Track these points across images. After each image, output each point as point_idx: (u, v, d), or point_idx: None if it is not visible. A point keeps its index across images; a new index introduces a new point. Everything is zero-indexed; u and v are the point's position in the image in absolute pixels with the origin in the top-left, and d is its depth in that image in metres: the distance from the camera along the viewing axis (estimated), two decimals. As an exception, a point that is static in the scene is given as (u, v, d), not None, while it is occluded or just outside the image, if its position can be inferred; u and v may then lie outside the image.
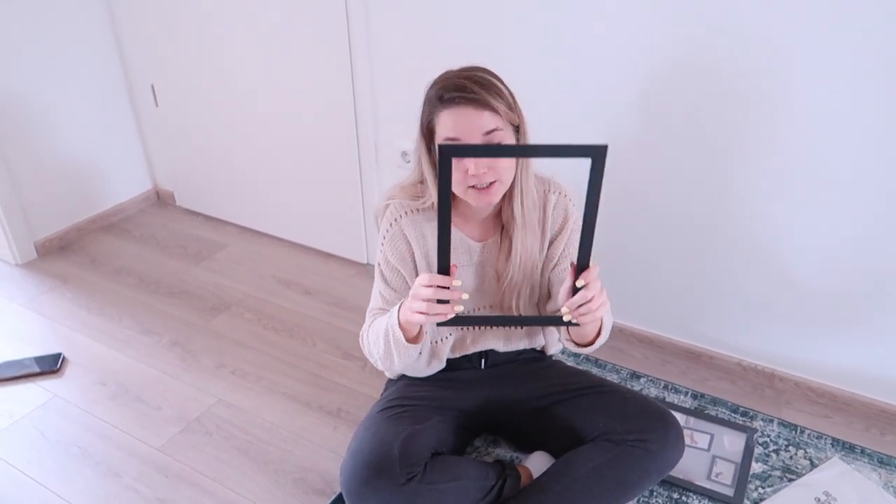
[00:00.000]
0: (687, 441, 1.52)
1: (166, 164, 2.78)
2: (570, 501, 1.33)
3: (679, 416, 1.70)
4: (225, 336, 2.05)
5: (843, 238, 1.57)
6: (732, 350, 1.86)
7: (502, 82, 1.22)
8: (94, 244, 2.56)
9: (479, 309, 1.42)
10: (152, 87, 2.56)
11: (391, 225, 1.34)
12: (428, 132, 1.24)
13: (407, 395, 1.43)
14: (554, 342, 1.53)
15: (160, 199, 2.88)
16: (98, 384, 1.85)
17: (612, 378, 1.85)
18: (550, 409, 1.45)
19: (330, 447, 1.64)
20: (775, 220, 1.63)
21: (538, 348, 1.54)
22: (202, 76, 2.40)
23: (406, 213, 1.33)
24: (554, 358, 1.60)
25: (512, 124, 1.22)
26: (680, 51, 1.55)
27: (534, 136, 1.27)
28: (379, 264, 1.38)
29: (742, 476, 1.53)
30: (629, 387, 1.81)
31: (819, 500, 1.49)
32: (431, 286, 1.10)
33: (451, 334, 1.44)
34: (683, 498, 1.49)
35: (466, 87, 1.16)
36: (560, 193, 1.37)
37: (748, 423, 1.69)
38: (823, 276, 1.63)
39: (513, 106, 1.22)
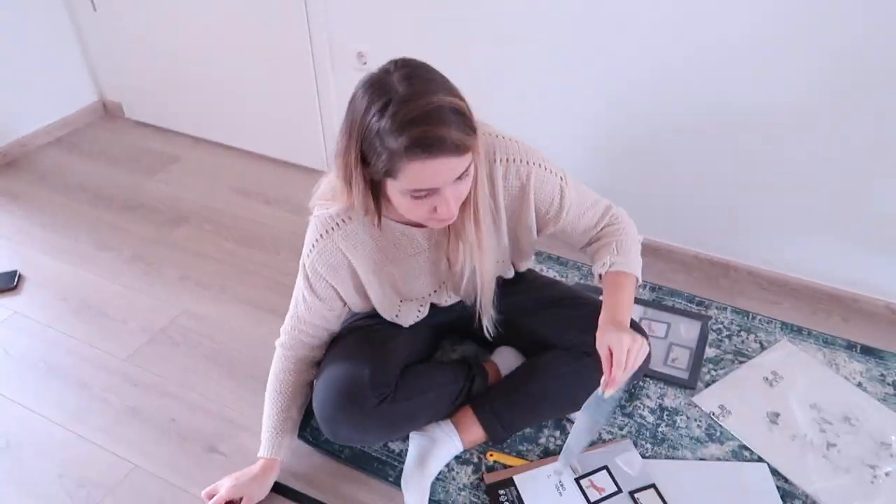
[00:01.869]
0: (646, 330, 1.57)
1: (112, 74, 2.65)
2: (538, 402, 1.38)
3: (638, 308, 1.76)
4: (186, 248, 2.02)
5: (789, 137, 1.58)
6: (688, 243, 1.91)
7: (463, 99, 0.99)
8: (41, 160, 2.47)
9: (438, 290, 1.36)
10: (88, -12, 2.41)
11: (321, 237, 1.20)
12: (370, 167, 1.01)
13: (371, 316, 1.41)
14: (526, 262, 1.47)
15: (108, 112, 2.77)
16: (59, 300, 1.83)
17: (574, 275, 1.89)
18: (522, 319, 1.45)
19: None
20: (739, 121, 1.63)
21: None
22: (140, -24, 2.26)
23: (338, 223, 1.19)
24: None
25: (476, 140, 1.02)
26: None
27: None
28: (305, 266, 1.25)
29: (696, 360, 1.60)
30: (588, 283, 1.86)
31: (767, 378, 1.57)
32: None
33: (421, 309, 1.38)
34: (640, 382, 1.56)
35: (449, 137, 0.94)
36: (509, 160, 1.18)
37: (703, 312, 1.76)
38: (771, 174, 1.66)
39: (472, 123, 1.00)
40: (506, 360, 1.51)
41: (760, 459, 1.39)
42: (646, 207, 1.89)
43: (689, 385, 1.54)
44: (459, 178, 1.01)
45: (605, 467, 1.36)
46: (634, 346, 1.13)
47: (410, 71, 0.98)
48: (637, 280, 1.28)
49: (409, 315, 1.36)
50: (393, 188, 1.03)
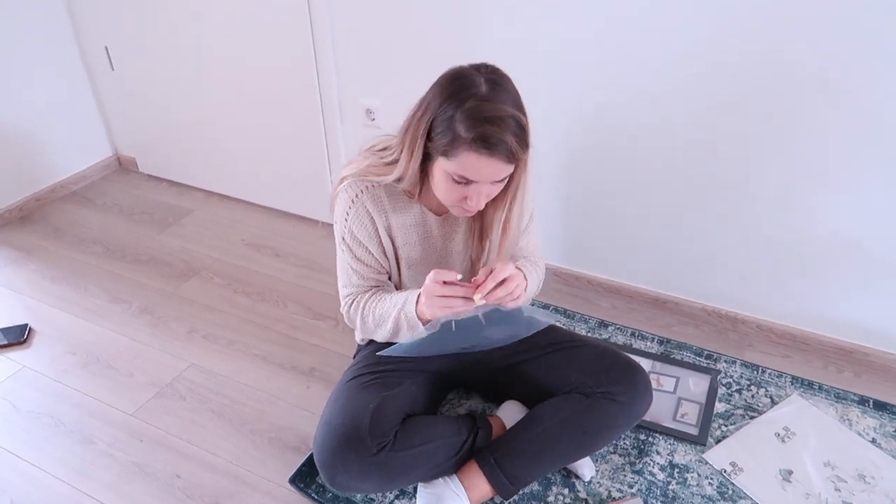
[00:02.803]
0: (654, 385, 1.56)
1: (127, 129, 2.72)
2: (541, 449, 1.37)
3: (646, 362, 1.75)
4: (195, 301, 2.04)
5: (799, 188, 1.59)
6: (697, 296, 1.91)
7: (527, 117, 1.11)
8: (55, 214, 2.51)
9: (433, 264, 1.40)
10: (106, 49, 2.49)
11: (353, 201, 1.28)
12: (432, 142, 1.12)
13: (376, 361, 1.43)
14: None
15: (122, 166, 2.82)
16: (67, 353, 1.84)
17: (581, 327, 1.89)
18: (522, 365, 1.47)
19: (304, 406, 1.66)
20: (738, 171, 1.65)
21: None
22: (158, 37, 2.33)
23: (366, 188, 1.28)
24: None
25: None
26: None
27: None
28: (344, 239, 1.33)
29: (706, 415, 1.58)
30: (597, 336, 1.85)
31: (779, 434, 1.54)
32: (439, 283, 1.16)
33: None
34: (650, 439, 1.54)
35: (507, 144, 1.06)
36: None
37: (712, 366, 1.74)
38: (781, 225, 1.66)
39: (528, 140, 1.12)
40: (511, 413, 1.49)
41: (774, 519, 1.36)
42: (653, 260, 1.90)
43: (699, 441, 1.52)
44: (498, 181, 1.13)
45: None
46: (517, 278, 1.17)
47: (496, 78, 1.11)
48: (528, 291, 1.31)
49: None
50: (440, 167, 1.14)
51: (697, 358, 1.77)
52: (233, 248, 2.30)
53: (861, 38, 1.37)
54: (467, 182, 1.12)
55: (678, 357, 1.78)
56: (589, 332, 1.87)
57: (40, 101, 2.48)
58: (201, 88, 2.36)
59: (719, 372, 1.71)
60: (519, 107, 1.10)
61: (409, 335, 1.27)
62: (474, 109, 1.06)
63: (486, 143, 1.05)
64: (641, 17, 1.55)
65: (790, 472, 1.45)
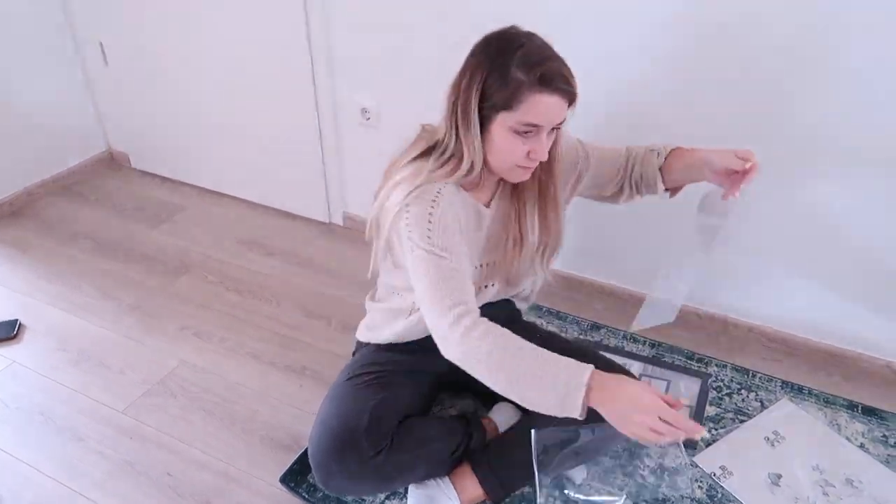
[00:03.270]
0: None
1: (120, 125, 2.70)
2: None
3: (637, 365, 1.76)
4: (187, 298, 2.03)
5: (793, 190, 1.61)
6: (688, 299, 1.91)
7: None
8: (47, 209, 2.50)
9: (484, 265, 1.34)
10: (101, 44, 2.47)
11: (433, 206, 1.15)
12: (488, 101, 1.10)
13: (375, 361, 1.42)
14: (529, 300, 1.52)
15: (115, 162, 2.81)
16: (58, 350, 1.83)
17: (573, 329, 1.89)
18: None
19: (296, 405, 1.66)
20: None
21: (516, 303, 1.51)
22: (153, 33, 2.32)
23: (441, 188, 1.17)
24: (524, 318, 1.61)
25: None
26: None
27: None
28: (433, 251, 1.14)
29: (697, 419, 1.59)
30: (589, 338, 1.86)
31: (768, 438, 1.55)
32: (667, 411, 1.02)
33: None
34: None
35: (568, 80, 1.09)
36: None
37: (702, 369, 1.75)
38: (772, 231, 1.68)
39: None
40: (504, 416, 1.50)
41: (763, 523, 1.37)
42: (646, 263, 1.90)
43: (689, 445, 1.53)
44: (556, 127, 1.14)
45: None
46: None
47: (530, 33, 1.12)
48: None
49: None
50: (501, 125, 1.11)
51: (689, 361, 1.78)
52: (226, 245, 2.29)
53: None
54: (530, 132, 1.11)
55: (669, 360, 1.79)
56: (581, 333, 1.88)
57: (33, 96, 2.46)
58: (196, 85, 2.35)
59: (710, 375, 1.72)
60: (556, 53, 1.12)
61: (545, 408, 1.08)
62: (528, 54, 1.07)
63: (549, 80, 1.07)
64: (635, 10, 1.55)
65: (779, 477, 1.46)
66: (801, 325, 1.79)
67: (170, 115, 2.51)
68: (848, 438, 1.56)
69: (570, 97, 1.10)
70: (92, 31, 2.47)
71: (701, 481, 1.45)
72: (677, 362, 1.78)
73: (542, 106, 1.09)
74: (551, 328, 1.89)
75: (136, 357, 1.81)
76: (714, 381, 1.72)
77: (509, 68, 1.07)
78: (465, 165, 1.16)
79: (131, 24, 2.35)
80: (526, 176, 1.21)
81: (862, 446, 1.54)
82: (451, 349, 1.12)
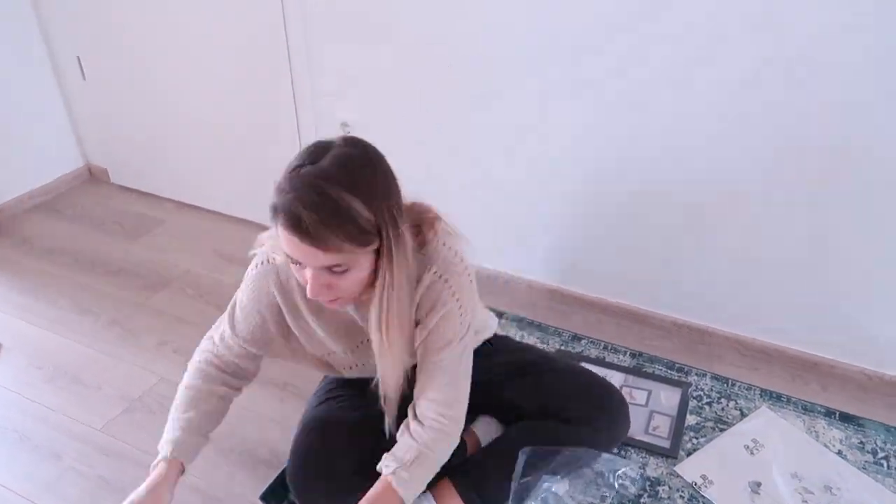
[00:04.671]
0: (627, 398, 1.56)
1: (98, 139, 2.68)
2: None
3: (618, 375, 1.76)
4: (166, 313, 2.01)
5: (768, 205, 1.63)
6: (668, 309, 1.93)
7: (379, 211, 0.97)
8: (24, 225, 2.47)
9: (353, 367, 1.33)
10: (78, 58, 2.46)
11: (256, 266, 1.23)
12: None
13: (343, 383, 1.42)
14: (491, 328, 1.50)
15: (93, 177, 2.79)
16: (33, 367, 1.80)
17: (554, 340, 1.90)
18: (500, 385, 1.44)
19: (277, 420, 1.65)
20: (708, 190, 1.68)
21: None
22: (131, 47, 2.31)
23: (268, 260, 1.20)
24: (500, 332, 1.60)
25: (371, 248, 1.01)
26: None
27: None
28: (236, 297, 1.26)
29: (678, 428, 1.60)
30: (570, 349, 1.86)
31: (748, 447, 1.57)
32: None
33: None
34: (622, 452, 1.55)
35: (301, 224, 0.93)
36: (439, 276, 1.13)
37: (683, 378, 1.76)
38: (750, 240, 1.70)
39: (367, 230, 0.98)
40: (485, 429, 1.49)
41: (743, 531, 1.38)
42: (626, 274, 1.92)
43: (671, 454, 1.54)
44: (333, 271, 1.00)
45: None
46: None
47: (347, 157, 0.98)
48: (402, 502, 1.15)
49: (342, 363, 1.32)
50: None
51: (669, 371, 1.80)
52: (206, 259, 2.28)
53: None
54: (298, 263, 1.01)
55: (650, 370, 1.80)
56: (562, 345, 1.88)
57: (9, 111, 2.44)
58: (174, 99, 2.35)
59: (690, 384, 1.74)
60: (365, 193, 0.96)
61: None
62: (289, 178, 0.97)
63: (283, 223, 0.96)
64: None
65: (759, 485, 1.47)
66: (777, 333, 1.82)
67: (149, 129, 2.49)
68: (826, 445, 1.57)
69: (313, 242, 0.95)
70: (69, 45, 2.45)
71: (682, 491, 1.46)
72: (657, 372, 1.79)
73: (287, 245, 0.99)
74: (532, 339, 1.90)
75: (114, 373, 1.79)
76: (694, 391, 1.73)
77: (275, 187, 0.99)
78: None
79: (110, 39, 2.34)
80: (331, 306, 1.11)
81: (840, 453, 1.56)
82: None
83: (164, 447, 1.19)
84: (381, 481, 1.16)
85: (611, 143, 1.73)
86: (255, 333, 1.25)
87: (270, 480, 1.47)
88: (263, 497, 1.44)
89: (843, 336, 1.74)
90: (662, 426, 1.61)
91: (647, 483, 1.48)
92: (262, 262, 1.22)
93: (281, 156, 2.19)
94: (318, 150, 0.99)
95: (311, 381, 1.70)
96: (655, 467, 1.52)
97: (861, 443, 1.59)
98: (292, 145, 2.19)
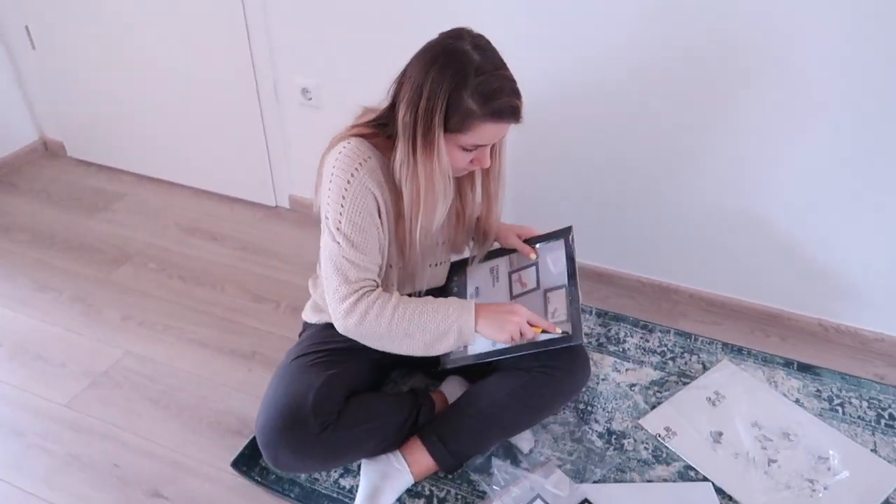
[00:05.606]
0: (519, 287, 1.48)
1: (52, 112, 2.60)
2: (483, 424, 1.39)
3: (503, 262, 1.56)
4: (129, 288, 1.98)
5: (729, 165, 1.65)
6: (633, 268, 1.96)
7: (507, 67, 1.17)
8: (-23, 201, 2.40)
9: (437, 244, 1.44)
10: (27, 28, 2.37)
11: (349, 181, 1.20)
12: (447, 123, 1.13)
13: (321, 341, 1.42)
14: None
15: (49, 150, 2.71)
16: (-6, 346, 1.78)
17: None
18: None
19: (245, 389, 1.64)
20: (673, 149, 1.69)
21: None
22: (82, 14, 2.23)
23: (364, 160, 1.21)
24: None
25: None
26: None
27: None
28: (340, 228, 1.21)
29: (574, 305, 1.35)
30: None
31: (710, 399, 1.61)
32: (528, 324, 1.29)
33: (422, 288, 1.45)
34: (589, 408, 1.58)
35: (518, 111, 1.15)
36: None
37: (567, 234, 1.50)
38: (711, 199, 1.72)
39: None
40: (453, 388, 1.51)
41: (705, 479, 1.42)
42: (591, 236, 1.94)
43: (575, 339, 1.29)
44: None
45: (538, 496, 1.36)
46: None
47: (481, 43, 1.14)
48: None
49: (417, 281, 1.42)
50: (450, 142, 1.16)
51: (633, 328, 1.83)
52: (167, 232, 2.24)
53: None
54: (477, 147, 1.19)
55: (614, 326, 1.81)
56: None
57: (-45, 83, 2.35)
58: (130, 68, 2.28)
59: (570, 227, 1.50)
60: (506, 65, 1.16)
61: (447, 348, 1.29)
62: (482, 85, 1.10)
63: (501, 113, 1.13)
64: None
65: (720, 434, 1.51)
66: (738, 288, 1.86)
67: (105, 100, 2.42)
68: (784, 395, 1.62)
69: (518, 121, 1.17)
70: (17, 14, 2.36)
71: (646, 443, 1.50)
72: (623, 329, 1.82)
73: (490, 132, 1.16)
74: None
75: (78, 349, 1.76)
76: (659, 346, 1.76)
77: (463, 96, 1.10)
78: (396, 159, 1.21)
79: (59, 7, 2.25)
80: (464, 173, 1.31)
81: (797, 401, 1.61)
82: (351, 334, 1.28)
83: (462, 308, 1.28)
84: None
85: (577, 102, 1.73)
86: (378, 245, 1.27)
87: (241, 448, 1.48)
88: (235, 464, 1.44)
89: (800, 289, 1.78)
90: (560, 307, 1.37)
91: (613, 437, 1.51)
92: (352, 175, 1.20)
93: (241, 125, 2.18)
94: (479, 46, 1.13)
95: (279, 350, 1.71)
96: (621, 421, 1.55)
97: (818, 391, 1.64)
98: (252, 114, 2.15)
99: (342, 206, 1.21)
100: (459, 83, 1.10)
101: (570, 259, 1.43)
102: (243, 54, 2.03)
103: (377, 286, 1.28)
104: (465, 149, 1.18)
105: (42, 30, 2.35)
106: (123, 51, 2.24)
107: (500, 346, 1.34)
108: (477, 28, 1.17)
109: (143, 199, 2.43)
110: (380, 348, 1.29)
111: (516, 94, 1.15)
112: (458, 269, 1.60)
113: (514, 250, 1.53)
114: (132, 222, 2.29)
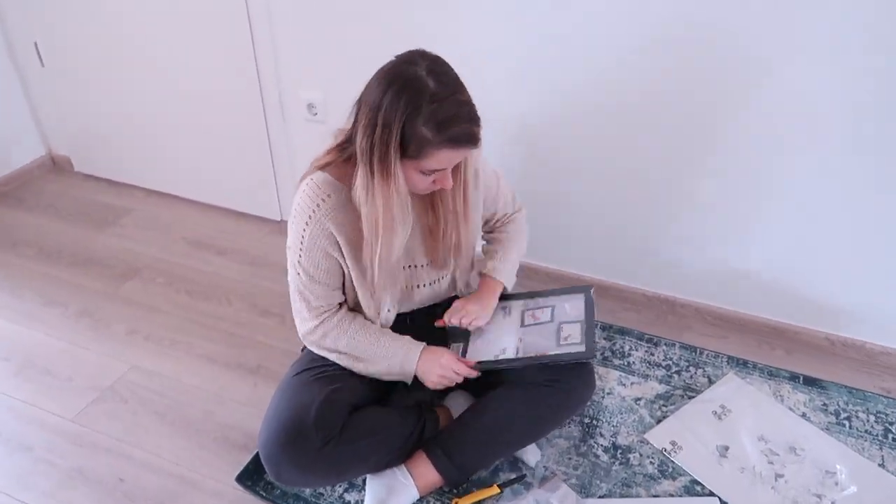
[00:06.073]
0: (531, 320, 1.50)
1: (60, 128, 2.63)
2: (488, 438, 1.39)
3: (517, 303, 1.59)
4: (136, 302, 1.99)
5: (733, 175, 1.66)
6: (637, 281, 1.96)
7: (467, 92, 1.16)
8: (-14, 216, 2.42)
9: (413, 267, 1.41)
10: (35, 45, 2.40)
11: (307, 223, 1.26)
12: (403, 150, 1.13)
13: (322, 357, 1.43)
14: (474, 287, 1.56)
15: (56, 166, 2.73)
16: (0, 360, 1.78)
17: (526, 316, 1.91)
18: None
19: (251, 404, 1.65)
20: (675, 160, 1.70)
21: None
22: (90, 31, 2.26)
23: (323, 199, 1.25)
24: None
25: None
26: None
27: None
28: (301, 262, 1.30)
29: (588, 330, 1.43)
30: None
31: (716, 412, 1.60)
32: (458, 372, 1.37)
33: (392, 308, 1.43)
34: (594, 422, 1.58)
35: (474, 136, 1.14)
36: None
37: (583, 283, 1.64)
38: (714, 211, 1.73)
39: None
40: (458, 403, 1.51)
41: (712, 494, 1.41)
42: (595, 249, 1.94)
43: (588, 355, 1.37)
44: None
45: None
46: (475, 311, 1.44)
47: (437, 67, 1.12)
48: (504, 288, 1.53)
49: (383, 305, 1.40)
50: (410, 167, 1.16)
51: (639, 342, 1.82)
52: (175, 247, 2.25)
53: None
54: (435, 172, 1.18)
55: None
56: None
57: (-35, 100, 2.38)
58: (138, 84, 2.30)
59: (591, 287, 1.56)
60: (463, 89, 1.14)
61: (389, 378, 1.41)
62: (436, 112, 1.09)
63: (457, 140, 1.12)
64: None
65: (727, 448, 1.51)
66: (744, 302, 1.85)
67: (112, 116, 2.45)
68: (790, 408, 1.62)
69: (475, 146, 1.16)
70: (26, 31, 2.39)
71: (652, 457, 1.49)
72: (628, 342, 1.82)
73: (447, 158, 1.16)
74: None
75: (85, 363, 1.77)
76: (664, 360, 1.76)
77: (417, 124, 1.09)
78: (357, 187, 1.22)
79: (67, 24, 2.28)
80: (429, 191, 1.27)
81: (804, 415, 1.60)
82: (317, 351, 1.40)
83: (410, 348, 1.39)
84: (483, 280, 1.51)
85: (577, 118, 1.74)
86: (339, 273, 1.35)
87: (246, 462, 1.48)
88: (240, 479, 1.44)
89: (807, 303, 1.78)
90: (574, 333, 1.44)
91: (619, 451, 1.51)
92: (310, 217, 1.26)
93: (247, 140, 2.20)
94: (434, 71, 1.11)
95: (284, 365, 1.70)
96: (626, 435, 1.54)
97: (824, 405, 1.63)
98: (258, 129, 2.16)
99: (301, 243, 1.29)
100: (413, 111, 1.08)
101: (590, 310, 1.48)
102: (249, 71, 2.05)
103: (339, 307, 1.39)
104: (423, 173, 1.18)
105: (51, 47, 2.38)
106: (131, 67, 2.27)
107: (509, 354, 1.40)
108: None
109: (150, 213, 2.44)
110: (338, 362, 1.40)
111: (472, 119, 1.13)
112: None
113: (530, 295, 1.57)
114: (139, 237, 2.30)
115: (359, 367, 1.38)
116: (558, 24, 1.61)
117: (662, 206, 1.78)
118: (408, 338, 1.40)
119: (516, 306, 1.56)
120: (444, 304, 1.50)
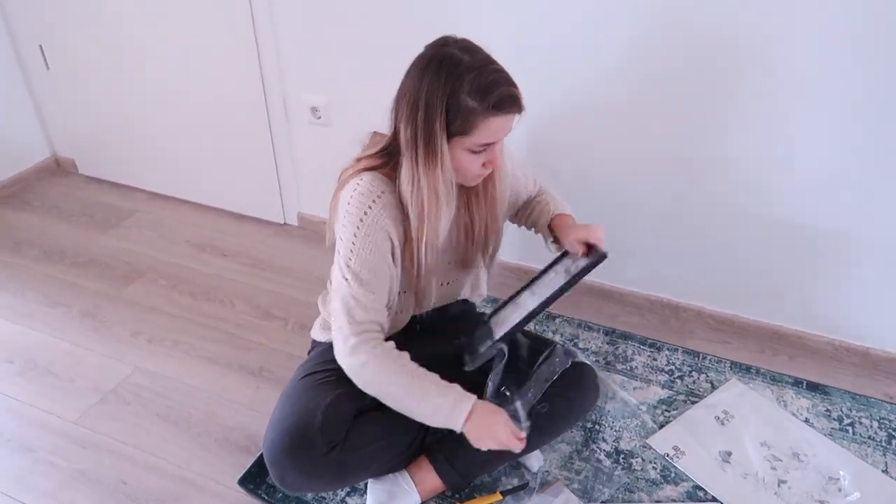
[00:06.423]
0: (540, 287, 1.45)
1: (65, 130, 2.64)
2: None
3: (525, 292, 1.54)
4: (139, 304, 1.99)
5: (736, 180, 1.66)
6: (640, 286, 1.96)
7: None
8: (-10, 218, 2.43)
9: (447, 263, 1.40)
10: (41, 48, 2.41)
11: (362, 219, 1.20)
12: (450, 128, 1.13)
13: (330, 359, 1.39)
14: (481, 291, 1.57)
15: (61, 168, 2.74)
16: (3, 361, 1.78)
17: (566, 327, 1.91)
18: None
19: (253, 406, 1.65)
20: (677, 162, 1.70)
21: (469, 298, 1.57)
22: (94, 35, 2.27)
23: (378, 196, 1.21)
24: (477, 308, 1.63)
25: None
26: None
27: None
28: (350, 266, 1.22)
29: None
30: (545, 328, 1.88)
31: (719, 418, 1.60)
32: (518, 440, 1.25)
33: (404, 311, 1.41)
34: (596, 427, 1.58)
35: (518, 99, 1.14)
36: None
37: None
38: (717, 215, 1.73)
39: None
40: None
41: (714, 499, 1.40)
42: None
43: (603, 255, 1.31)
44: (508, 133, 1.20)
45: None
46: (585, 228, 1.34)
47: (466, 44, 1.14)
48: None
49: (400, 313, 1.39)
50: (458, 147, 1.16)
51: (641, 346, 1.82)
52: (178, 248, 2.26)
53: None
54: (486, 148, 1.17)
55: (623, 346, 1.80)
56: (536, 323, 1.90)
57: (-29, 101, 2.39)
58: (142, 87, 2.31)
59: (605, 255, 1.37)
60: (494, 59, 1.15)
61: (426, 423, 1.26)
62: (476, 81, 1.10)
63: (502, 103, 1.12)
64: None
65: (729, 454, 1.50)
66: (747, 307, 1.85)
67: (117, 118, 2.46)
68: (794, 414, 1.61)
69: (520, 111, 1.16)
70: (31, 34, 2.40)
71: (655, 462, 1.49)
72: (630, 347, 1.81)
73: (496, 126, 1.14)
74: (542, 329, 1.89)
75: (87, 365, 1.77)
76: (666, 365, 1.76)
77: (460, 97, 1.10)
78: (403, 185, 1.20)
79: (72, 27, 2.29)
80: (479, 180, 1.26)
81: (807, 421, 1.60)
82: (352, 376, 1.26)
83: (463, 400, 1.24)
84: (555, 221, 1.44)
85: (585, 120, 1.74)
86: (388, 285, 1.27)
87: (248, 465, 1.48)
88: (242, 482, 1.44)
89: (810, 309, 1.77)
90: (581, 262, 1.34)
91: (621, 456, 1.50)
92: (366, 213, 1.20)
93: (251, 143, 2.20)
94: (466, 48, 1.13)
95: (287, 368, 1.71)
96: (629, 441, 1.54)
97: (828, 410, 1.63)
98: (262, 132, 2.17)
99: (353, 243, 1.21)
100: (455, 85, 1.10)
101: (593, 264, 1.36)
102: (253, 74, 2.06)
103: (381, 330, 1.28)
104: (473, 151, 1.17)
105: (56, 50, 2.39)
106: (134, 70, 2.28)
107: (538, 301, 1.31)
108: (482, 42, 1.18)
109: (153, 215, 2.45)
110: (370, 393, 1.27)
111: (512, 83, 1.14)
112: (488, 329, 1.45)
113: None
114: (143, 239, 2.31)
115: (391, 404, 1.26)
116: (558, 25, 1.62)
117: (663, 208, 1.78)
118: (457, 387, 1.26)
119: (525, 294, 1.49)
120: (452, 308, 1.51)
